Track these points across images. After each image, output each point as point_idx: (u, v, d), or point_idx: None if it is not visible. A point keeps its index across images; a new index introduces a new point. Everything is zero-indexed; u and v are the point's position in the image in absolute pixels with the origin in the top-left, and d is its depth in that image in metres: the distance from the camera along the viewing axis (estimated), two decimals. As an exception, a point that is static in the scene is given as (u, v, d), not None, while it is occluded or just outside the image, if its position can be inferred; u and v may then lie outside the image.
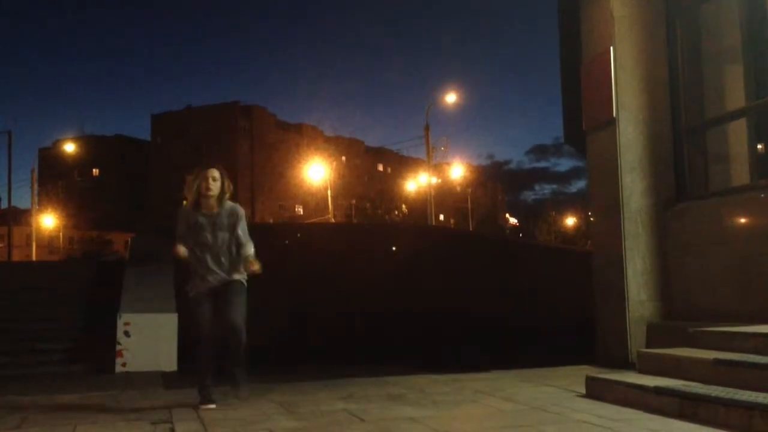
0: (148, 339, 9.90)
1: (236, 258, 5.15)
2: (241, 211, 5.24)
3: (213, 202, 5.13)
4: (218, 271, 5.10)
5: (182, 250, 5.08)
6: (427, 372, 6.91)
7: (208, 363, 5.12)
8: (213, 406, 5.01)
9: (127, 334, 9.89)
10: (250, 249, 5.11)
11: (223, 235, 5.10)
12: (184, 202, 5.24)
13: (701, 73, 7.12)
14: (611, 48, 6.94)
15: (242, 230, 5.14)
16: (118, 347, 9.85)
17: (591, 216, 7.85)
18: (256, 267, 5.05)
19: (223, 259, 5.11)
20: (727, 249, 6.25)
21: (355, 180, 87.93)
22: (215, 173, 5.14)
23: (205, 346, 5.10)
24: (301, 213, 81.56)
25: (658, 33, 7.12)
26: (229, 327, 5.03)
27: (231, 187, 5.27)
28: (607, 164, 7.02)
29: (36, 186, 45.08)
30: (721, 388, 4.33)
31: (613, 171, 6.92)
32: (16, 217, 47.29)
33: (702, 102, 7.08)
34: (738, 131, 6.72)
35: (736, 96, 6.76)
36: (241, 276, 5.18)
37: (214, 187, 5.11)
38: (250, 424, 4.40)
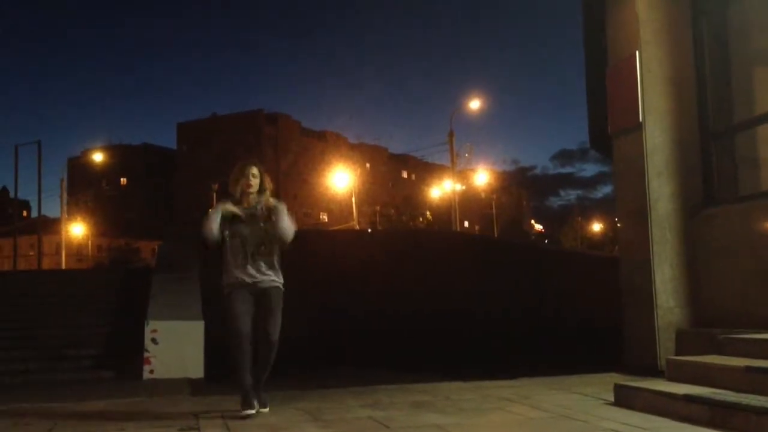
0: (176, 346, 9.96)
1: (274, 254, 5.12)
2: (282, 205, 5.23)
3: (253, 198, 5.19)
4: (254, 265, 5.04)
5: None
6: (452, 379, 6.88)
7: (247, 365, 5.00)
8: (252, 411, 4.89)
9: (154, 341, 9.96)
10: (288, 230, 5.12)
11: (265, 226, 5.10)
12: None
13: (729, 76, 7.03)
14: (637, 52, 6.88)
15: (284, 217, 5.12)
16: (145, 354, 9.92)
17: (618, 221, 7.77)
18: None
19: (262, 248, 5.07)
20: (757, 255, 6.14)
21: (379, 187, 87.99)
22: (254, 170, 5.22)
23: (243, 347, 4.99)
24: (326, 220, 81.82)
25: (684, 36, 7.05)
26: (265, 341, 5.00)
27: (271, 183, 5.32)
28: (634, 169, 6.95)
29: (65, 195, 45.67)
30: (752, 396, 4.26)
31: (639, 176, 6.85)
32: (46, 225, 48.01)
33: (730, 105, 6.98)
34: (768, 135, 6.62)
35: (765, 99, 6.66)
36: (279, 279, 5.14)
37: (255, 183, 5.20)
38: (276, 431, 4.41)
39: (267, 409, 5.13)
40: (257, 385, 5.07)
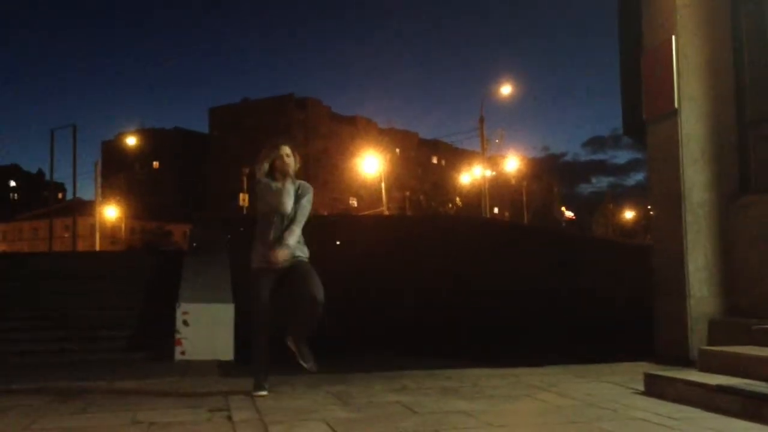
0: (206, 328, 10.10)
1: (300, 232, 5.20)
2: (310, 188, 5.32)
3: (288, 177, 5.23)
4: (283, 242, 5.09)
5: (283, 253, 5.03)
6: (480, 365, 6.87)
7: (264, 347, 5.08)
8: (264, 393, 5.02)
9: (185, 323, 10.11)
10: (294, 232, 5.09)
11: (294, 205, 5.16)
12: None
13: (767, 62, 6.86)
14: (673, 37, 6.75)
15: (306, 202, 5.19)
16: (176, 336, 10.07)
17: (651, 209, 7.67)
18: (279, 257, 5.01)
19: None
20: (795, 244, 6.02)
21: (409, 172, 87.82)
22: (287, 149, 5.25)
23: (262, 328, 5.07)
24: (356, 205, 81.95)
25: (722, 20, 6.89)
26: (310, 301, 4.97)
27: (300, 161, 5.36)
28: (668, 156, 6.84)
29: (99, 178, 46.29)
30: (787, 388, 4.19)
31: (674, 163, 6.74)
32: (81, 208, 48.74)
33: (768, 92, 6.82)
34: (807, 122, 6.46)
35: (805, 85, 6.49)
36: (305, 255, 5.20)
37: (290, 162, 5.23)
38: (304, 413, 4.45)
39: (311, 364, 5.12)
40: (300, 341, 5.08)
